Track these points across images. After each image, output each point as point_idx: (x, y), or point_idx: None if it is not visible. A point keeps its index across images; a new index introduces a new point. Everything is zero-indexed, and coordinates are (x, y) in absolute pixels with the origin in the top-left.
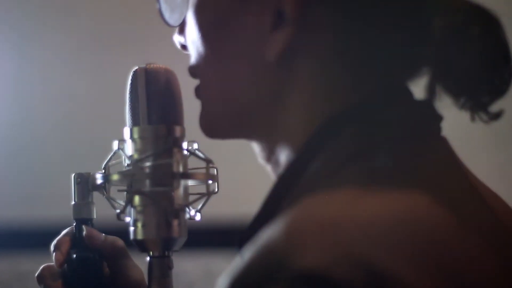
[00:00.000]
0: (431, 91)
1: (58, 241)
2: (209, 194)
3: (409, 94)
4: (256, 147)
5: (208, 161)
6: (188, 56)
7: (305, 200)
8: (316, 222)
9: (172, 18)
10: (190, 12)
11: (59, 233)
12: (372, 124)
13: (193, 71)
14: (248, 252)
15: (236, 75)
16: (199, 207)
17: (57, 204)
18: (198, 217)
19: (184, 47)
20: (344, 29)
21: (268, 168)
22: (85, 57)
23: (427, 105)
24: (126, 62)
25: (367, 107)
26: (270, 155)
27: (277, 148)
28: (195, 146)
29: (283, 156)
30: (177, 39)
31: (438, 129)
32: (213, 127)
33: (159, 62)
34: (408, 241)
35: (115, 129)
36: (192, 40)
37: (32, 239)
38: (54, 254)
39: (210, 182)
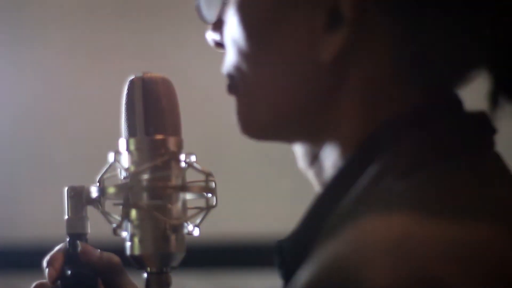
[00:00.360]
0: (493, 101)
1: (51, 256)
2: (208, 208)
3: (460, 102)
4: (298, 151)
5: (207, 173)
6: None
7: (369, 215)
8: (387, 240)
9: (210, 14)
10: (233, 9)
11: (42, 251)
12: (429, 135)
13: (232, 70)
14: (310, 268)
15: (284, 76)
16: (198, 221)
17: (38, 224)
18: (196, 232)
19: (218, 45)
20: (401, 32)
21: (310, 174)
22: (61, 69)
23: (483, 116)
24: (102, 73)
25: (422, 115)
26: (314, 160)
27: (323, 152)
28: (193, 158)
29: (329, 161)
30: (211, 36)
31: (493, 143)
32: (255, 128)
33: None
34: (481, 265)
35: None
36: (233, 38)
37: (20, 257)
38: (47, 270)
39: (210, 195)
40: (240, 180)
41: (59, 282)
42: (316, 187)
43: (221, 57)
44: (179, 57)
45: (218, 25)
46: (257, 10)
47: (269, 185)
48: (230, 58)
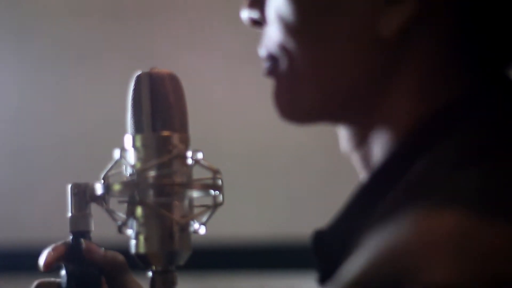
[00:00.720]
0: None
1: (53, 247)
2: (215, 206)
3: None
4: (343, 132)
5: (215, 171)
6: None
7: (426, 208)
8: (447, 234)
9: None
10: None
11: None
12: (489, 123)
13: (276, 50)
14: (361, 259)
15: (339, 53)
16: (204, 220)
17: (34, 226)
18: (203, 230)
19: (256, 23)
20: (464, 9)
21: (354, 157)
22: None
23: None
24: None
25: (480, 101)
26: (361, 143)
27: (371, 135)
28: (200, 155)
29: (378, 146)
30: (248, 13)
31: None
32: (301, 111)
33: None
34: None
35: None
36: (280, 13)
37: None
38: (44, 256)
39: (217, 193)
40: (231, 182)
41: (61, 279)
42: (360, 172)
43: (214, 56)
44: (172, 56)
45: (256, 1)
46: None
47: (260, 187)
48: (274, 37)
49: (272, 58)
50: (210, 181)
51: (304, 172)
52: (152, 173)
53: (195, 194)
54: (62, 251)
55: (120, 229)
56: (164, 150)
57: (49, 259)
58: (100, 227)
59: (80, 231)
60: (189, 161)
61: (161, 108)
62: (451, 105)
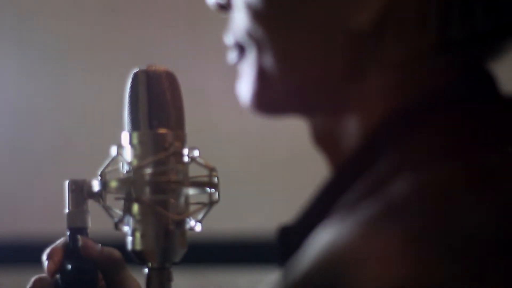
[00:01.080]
0: None
1: (51, 250)
2: (211, 203)
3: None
4: (311, 124)
5: (211, 168)
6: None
7: (377, 205)
8: (380, 249)
9: None
10: None
11: (35, 247)
12: (462, 117)
13: (243, 37)
14: (306, 257)
15: (309, 43)
16: (200, 217)
17: (34, 219)
18: (198, 227)
19: (223, 7)
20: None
21: (322, 151)
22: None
23: None
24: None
25: (455, 94)
26: (329, 136)
27: (341, 129)
28: (196, 153)
29: (347, 140)
30: None
31: None
32: (269, 103)
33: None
34: None
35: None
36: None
37: (10, 253)
38: (46, 263)
39: (213, 191)
40: (230, 177)
41: (58, 276)
42: (329, 166)
43: (214, 52)
44: (171, 51)
45: None
46: None
47: (260, 181)
48: (241, 24)
49: (239, 46)
50: (206, 179)
51: (304, 165)
52: (148, 171)
53: (191, 191)
54: (61, 254)
55: (117, 225)
56: (161, 148)
57: (52, 267)
58: (99, 223)
59: (77, 227)
60: (186, 159)
61: (157, 105)
62: (422, 100)
